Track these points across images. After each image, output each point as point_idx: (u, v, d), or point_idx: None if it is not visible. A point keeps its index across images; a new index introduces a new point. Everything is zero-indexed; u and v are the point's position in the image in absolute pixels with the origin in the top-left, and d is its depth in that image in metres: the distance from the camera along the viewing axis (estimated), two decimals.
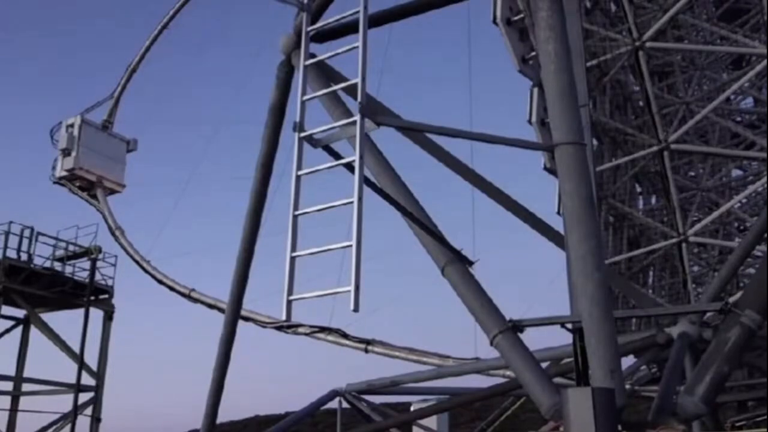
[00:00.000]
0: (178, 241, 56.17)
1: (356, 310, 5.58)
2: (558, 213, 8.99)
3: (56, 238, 25.90)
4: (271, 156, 10.40)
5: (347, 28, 7.84)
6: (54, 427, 24.34)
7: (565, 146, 6.28)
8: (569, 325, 7.13)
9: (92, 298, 25.01)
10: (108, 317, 26.25)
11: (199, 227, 73.60)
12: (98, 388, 25.29)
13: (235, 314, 11.41)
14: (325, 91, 7.58)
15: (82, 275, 25.56)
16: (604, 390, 5.47)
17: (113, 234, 26.34)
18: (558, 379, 9.64)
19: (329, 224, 6.51)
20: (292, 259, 6.11)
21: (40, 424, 24.31)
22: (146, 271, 24.27)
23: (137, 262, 24.76)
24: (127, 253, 25.41)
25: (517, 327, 6.90)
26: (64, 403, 24.57)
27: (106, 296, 26.21)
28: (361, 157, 6.08)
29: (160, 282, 23.59)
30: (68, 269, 25.75)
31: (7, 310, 24.51)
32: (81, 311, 24.57)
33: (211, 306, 21.47)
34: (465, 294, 7.14)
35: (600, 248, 6.17)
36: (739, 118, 18.33)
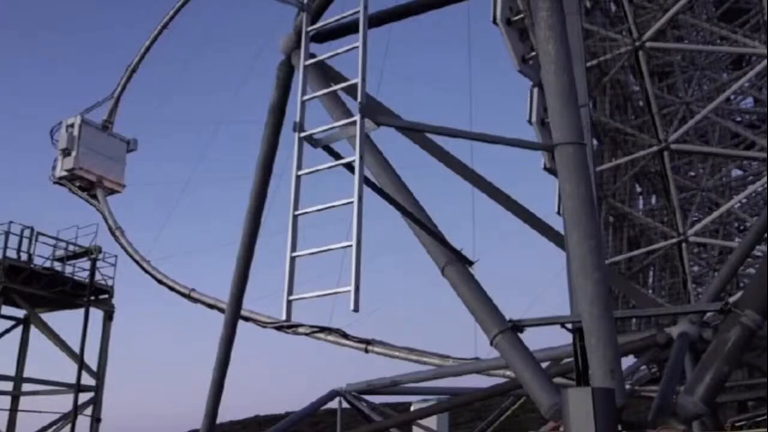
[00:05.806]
0: (178, 241, 56.19)
1: (356, 310, 5.58)
2: (558, 213, 9.00)
3: (56, 238, 25.92)
4: (271, 156, 10.39)
5: (347, 28, 7.84)
6: (54, 427, 24.36)
7: (565, 146, 6.28)
8: (569, 325, 7.12)
9: (92, 298, 25.02)
10: (108, 317, 26.27)
11: (199, 227, 73.59)
12: (98, 388, 25.29)
13: (235, 314, 11.40)
14: (325, 91, 7.58)
15: (82, 275, 25.60)
16: (604, 390, 5.47)
17: (113, 234, 26.34)
18: (558, 379, 9.66)
19: (331, 224, 6.52)
20: (292, 259, 6.11)
21: (40, 424, 24.39)
22: (146, 271, 24.27)
23: (137, 262, 24.75)
24: (127, 252, 25.40)
25: (517, 327, 6.90)
26: (64, 403, 24.65)
27: (106, 296, 26.23)
28: (361, 157, 6.08)
29: (160, 282, 23.58)
30: (68, 269, 25.80)
31: (7, 310, 24.53)
32: (81, 311, 24.59)
33: (211, 306, 21.47)
34: (465, 294, 7.14)
35: (600, 248, 6.16)
36: (739, 118, 18.33)
